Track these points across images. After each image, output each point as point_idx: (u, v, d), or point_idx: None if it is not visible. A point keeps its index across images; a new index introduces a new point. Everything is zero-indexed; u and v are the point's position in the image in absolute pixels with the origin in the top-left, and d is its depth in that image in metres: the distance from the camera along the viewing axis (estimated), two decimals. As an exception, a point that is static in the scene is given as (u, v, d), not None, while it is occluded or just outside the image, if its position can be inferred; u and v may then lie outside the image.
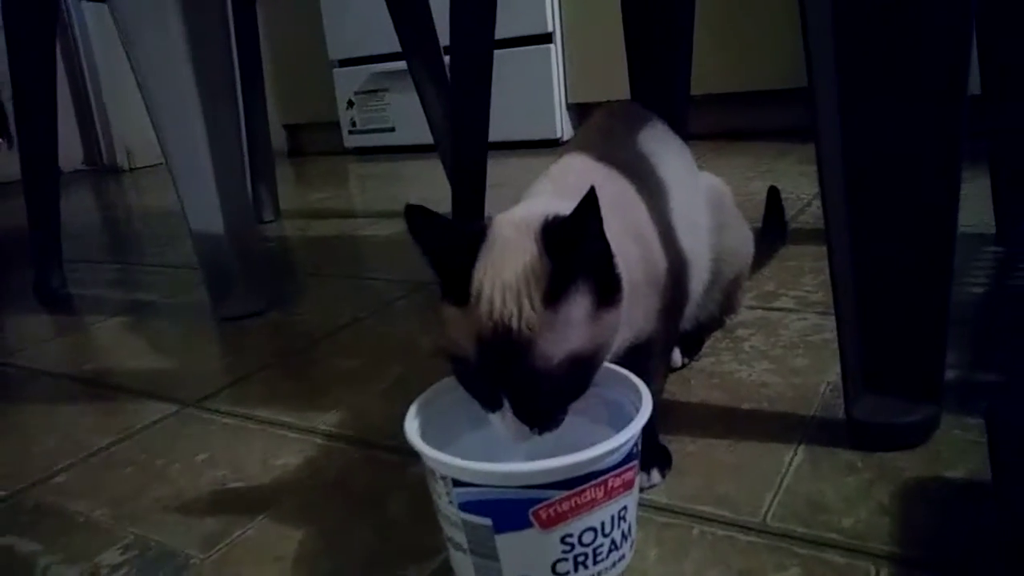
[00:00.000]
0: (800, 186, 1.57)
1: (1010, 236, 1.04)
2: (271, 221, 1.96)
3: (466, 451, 0.56)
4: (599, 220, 0.49)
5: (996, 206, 1.09)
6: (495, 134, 1.26)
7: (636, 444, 0.51)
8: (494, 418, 0.53)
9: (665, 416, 0.68)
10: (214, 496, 0.70)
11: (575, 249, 0.50)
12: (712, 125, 2.35)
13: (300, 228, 1.87)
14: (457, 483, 0.49)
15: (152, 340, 1.18)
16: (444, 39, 1.50)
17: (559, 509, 0.47)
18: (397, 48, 1.68)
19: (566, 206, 0.51)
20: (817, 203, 1.44)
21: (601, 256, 0.52)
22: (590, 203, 0.48)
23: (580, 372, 0.52)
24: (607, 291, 0.52)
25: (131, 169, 3.58)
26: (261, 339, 1.12)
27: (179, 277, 1.52)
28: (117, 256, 1.96)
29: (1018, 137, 1.06)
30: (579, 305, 0.51)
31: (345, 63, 3.01)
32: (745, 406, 0.74)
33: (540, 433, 0.52)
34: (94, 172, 3.65)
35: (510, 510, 0.47)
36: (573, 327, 0.50)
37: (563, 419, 0.53)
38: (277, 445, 0.78)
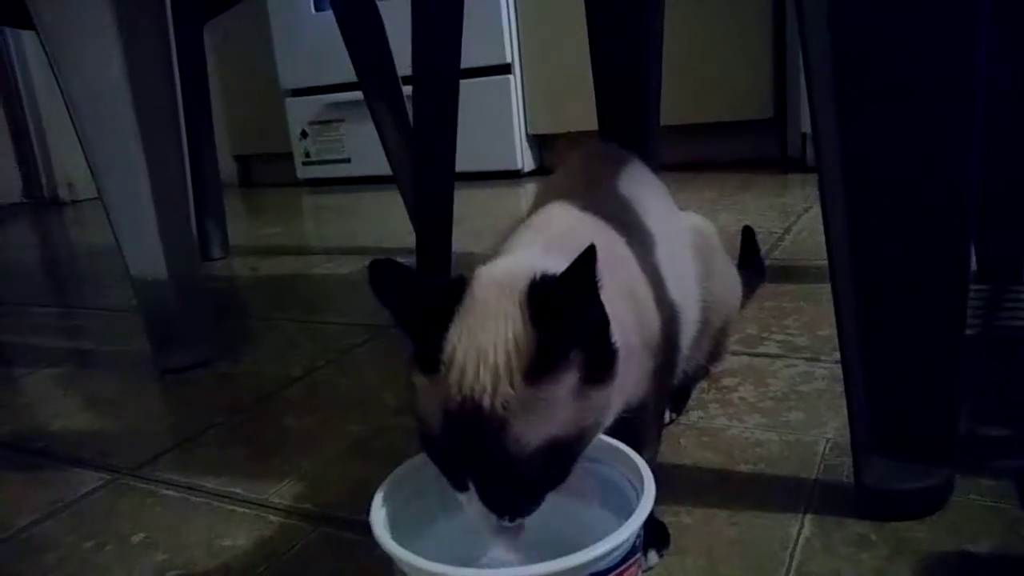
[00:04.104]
0: (770, 220, 1.54)
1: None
2: (220, 258, 1.86)
3: (442, 540, 0.50)
4: (595, 285, 0.43)
5: (976, 243, 1.06)
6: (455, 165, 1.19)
7: (639, 536, 0.45)
8: (462, 499, 0.46)
9: (657, 483, 0.62)
10: (151, 588, 0.62)
11: (567, 318, 0.44)
12: (674, 156, 2.33)
13: (251, 266, 1.78)
14: (436, 590, 0.42)
15: (85, 396, 1.08)
16: (402, 69, 1.45)
17: (554, 618, 0.40)
18: (352, 78, 1.62)
19: (555, 262, 0.45)
20: (790, 238, 1.41)
21: (596, 326, 0.45)
22: (587, 264, 0.41)
23: (559, 460, 0.45)
24: (599, 366, 0.46)
25: (73, 202, 3.43)
26: (207, 394, 1.03)
27: (119, 321, 1.42)
28: (53, 297, 1.84)
29: (995, 172, 1.03)
30: (565, 383, 0.44)
31: (298, 92, 2.93)
32: (741, 468, 0.68)
33: (511, 521, 0.45)
34: (34, 205, 3.49)
35: (497, 621, 0.41)
36: (556, 408, 0.44)
37: (536, 508, 0.46)
38: (224, 522, 0.70)
